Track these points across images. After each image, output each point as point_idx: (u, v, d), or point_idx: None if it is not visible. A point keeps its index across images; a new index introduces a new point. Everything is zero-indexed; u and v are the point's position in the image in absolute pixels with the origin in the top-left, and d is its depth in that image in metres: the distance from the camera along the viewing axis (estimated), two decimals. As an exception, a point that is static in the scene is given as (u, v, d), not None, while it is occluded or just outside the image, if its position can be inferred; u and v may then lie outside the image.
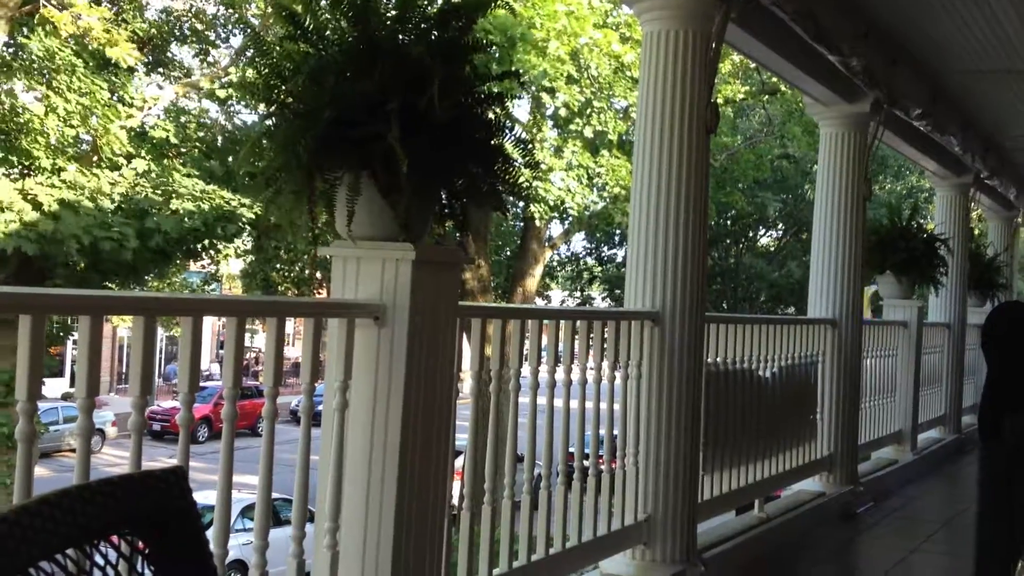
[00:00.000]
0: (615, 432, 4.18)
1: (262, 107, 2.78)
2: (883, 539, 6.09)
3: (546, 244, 19.88)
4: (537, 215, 16.23)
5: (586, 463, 3.99)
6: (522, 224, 19.08)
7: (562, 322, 3.87)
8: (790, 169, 25.21)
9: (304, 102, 2.64)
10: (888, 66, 6.48)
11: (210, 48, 17.17)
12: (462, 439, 3.33)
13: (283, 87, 2.68)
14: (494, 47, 13.11)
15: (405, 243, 2.67)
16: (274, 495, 2.72)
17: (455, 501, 3.26)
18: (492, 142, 2.78)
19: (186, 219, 12.93)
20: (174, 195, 13.02)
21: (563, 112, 15.52)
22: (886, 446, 7.94)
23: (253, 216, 13.72)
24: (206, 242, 13.76)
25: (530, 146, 3.10)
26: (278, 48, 2.74)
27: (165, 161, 13.74)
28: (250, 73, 2.83)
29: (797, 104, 16.34)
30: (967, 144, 8.74)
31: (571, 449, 3.89)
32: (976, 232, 11.51)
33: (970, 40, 6.51)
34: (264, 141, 2.77)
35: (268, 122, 2.77)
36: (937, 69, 7.28)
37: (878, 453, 7.89)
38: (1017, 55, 6.74)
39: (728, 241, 27.55)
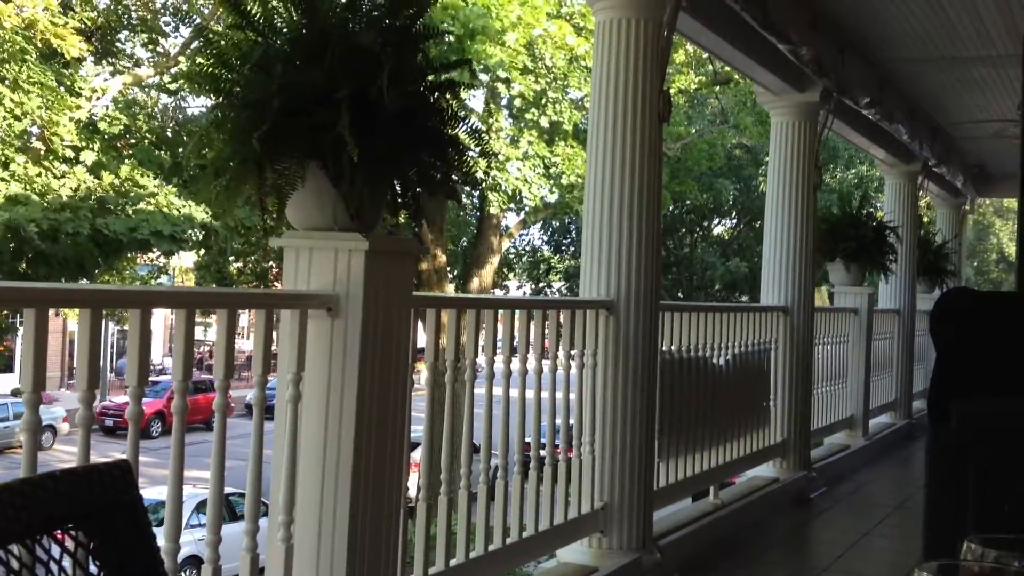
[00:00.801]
0: (571, 421, 4.19)
1: (210, 98, 2.73)
2: (836, 523, 6.18)
3: (503, 233, 19.88)
4: (495, 204, 16.22)
5: (543, 453, 4.00)
6: (479, 213, 19.05)
7: (517, 311, 3.87)
8: (745, 158, 25.45)
9: (252, 92, 2.60)
10: (836, 55, 6.56)
11: (160, 37, 16.91)
12: (418, 431, 3.32)
13: (230, 77, 2.64)
14: (451, 37, 13.07)
15: (358, 233, 2.65)
16: (229, 489, 2.69)
17: (412, 493, 3.25)
18: (445, 131, 2.77)
19: (140, 224, 12.73)
20: (127, 198, 12.83)
21: (518, 102, 15.52)
22: (838, 431, 8.05)
23: (205, 220, 13.55)
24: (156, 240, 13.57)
25: (484, 135, 3.10)
26: (225, 37, 2.70)
27: (124, 169, 13.45)
28: (199, 61, 2.79)
29: (749, 93, 16.48)
30: (915, 132, 8.88)
31: (528, 439, 3.90)
32: (925, 219, 11.69)
33: (915, 27, 6.61)
34: (213, 132, 2.73)
35: (216, 113, 2.73)
36: (884, 58, 7.39)
37: (830, 438, 8.00)
38: (960, 41, 6.86)
39: (683, 230, 27.76)
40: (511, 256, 25.94)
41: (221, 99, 2.67)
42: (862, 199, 8.36)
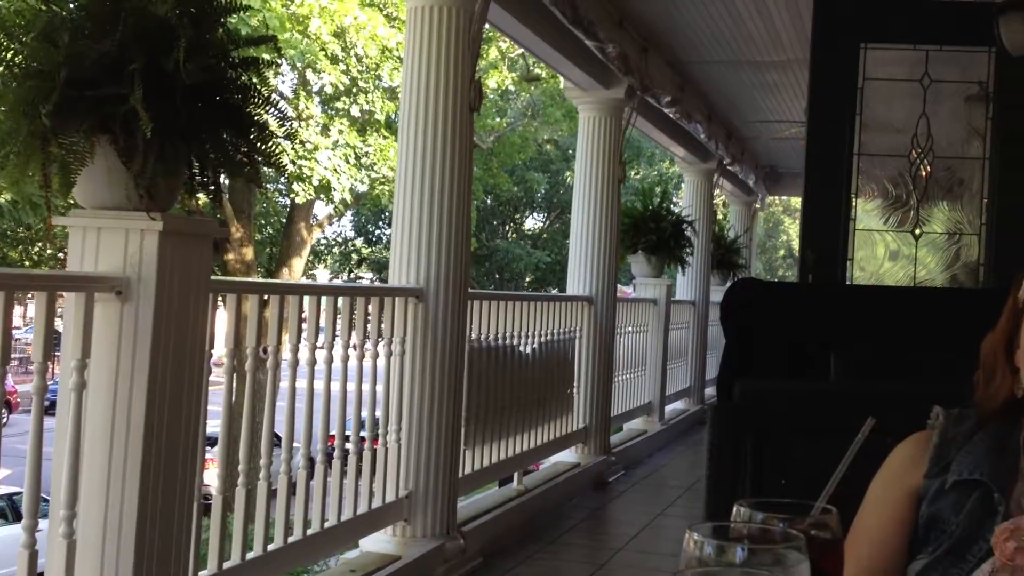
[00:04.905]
0: (378, 413, 4.16)
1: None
2: (632, 505, 6.42)
3: (313, 224, 19.50)
4: (301, 195, 15.86)
5: (348, 445, 3.95)
6: (288, 204, 18.61)
7: (324, 298, 3.80)
8: (555, 153, 26.01)
9: (36, 62, 2.44)
10: (641, 54, 6.80)
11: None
12: (216, 425, 3.20)
13: (13, 46, 2.47)
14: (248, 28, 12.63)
15: (151, 213, 2.52)
16: (12, 489, 2.52)
17: (213, 491, 3.12)
18: (247, 110, 2.68)
19: None
20: None
21: (329, 89, 15.24)
22: (637, 417, 8.37)
23: None
24: None
25: (291, 121, 3.02)
26: (6, 4, 2.52)
27: None
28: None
29: (559, 89, 16.85)
30: (711, 132, 9.33)
31: (332, 431, 3.83)
32: (719, 216, 12.31)
33: (713, 31, 6.95)
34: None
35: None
36: (684, 59, 7.72)
37: (629, 424, 8.31)
38: (754, 46, 7.26)
39: (496, 223, 28.10)
40: (321, 247, 25.52)
41: (2, 69, 2.49)
42: (663, 195, 8.71)
